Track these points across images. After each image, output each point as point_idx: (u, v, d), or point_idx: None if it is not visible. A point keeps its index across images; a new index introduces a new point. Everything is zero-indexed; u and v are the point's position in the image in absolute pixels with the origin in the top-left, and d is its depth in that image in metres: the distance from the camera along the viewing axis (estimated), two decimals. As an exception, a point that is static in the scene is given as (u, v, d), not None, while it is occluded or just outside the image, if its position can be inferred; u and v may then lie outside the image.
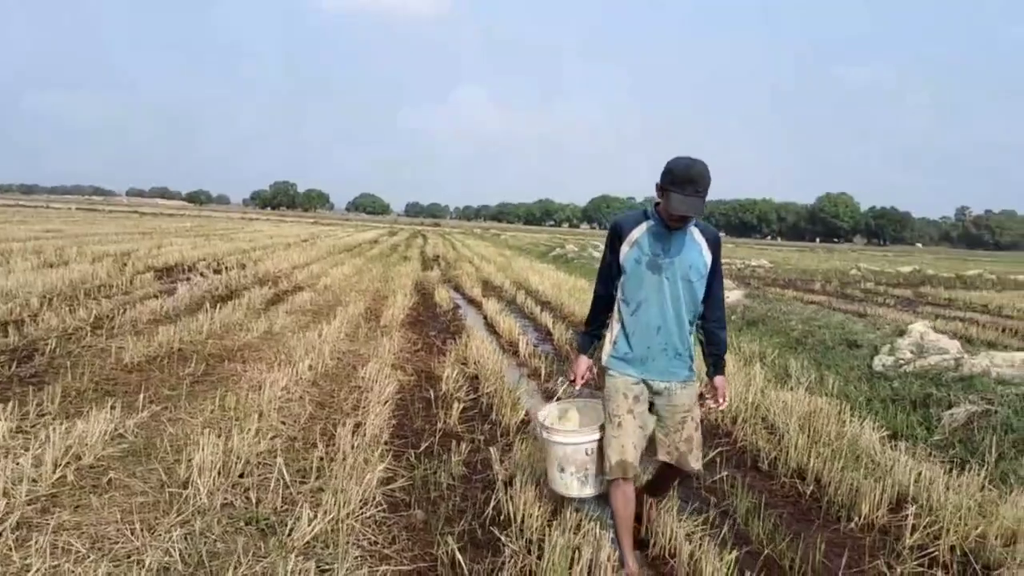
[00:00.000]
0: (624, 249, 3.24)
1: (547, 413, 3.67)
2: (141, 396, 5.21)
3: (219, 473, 3.92)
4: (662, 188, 3.10)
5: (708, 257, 3.25)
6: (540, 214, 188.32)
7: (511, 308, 12.61)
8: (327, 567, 3.09)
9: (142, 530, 3.29)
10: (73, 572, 2.87)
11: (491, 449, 4.73)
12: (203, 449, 4.02)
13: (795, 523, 4.05)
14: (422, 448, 4.84)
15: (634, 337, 3.25)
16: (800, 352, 8.48)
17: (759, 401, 6.00)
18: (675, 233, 3.18)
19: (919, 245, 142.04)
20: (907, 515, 3.90)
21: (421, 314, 11.56)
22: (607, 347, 3.35)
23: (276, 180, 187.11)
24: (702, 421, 3.46)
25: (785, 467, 4.85)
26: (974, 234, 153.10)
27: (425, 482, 4.25)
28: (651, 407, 3.33)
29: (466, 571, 3.20)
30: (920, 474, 4.42)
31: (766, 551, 3.63)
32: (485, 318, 11.48)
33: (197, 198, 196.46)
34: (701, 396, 3.41)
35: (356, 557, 3.22)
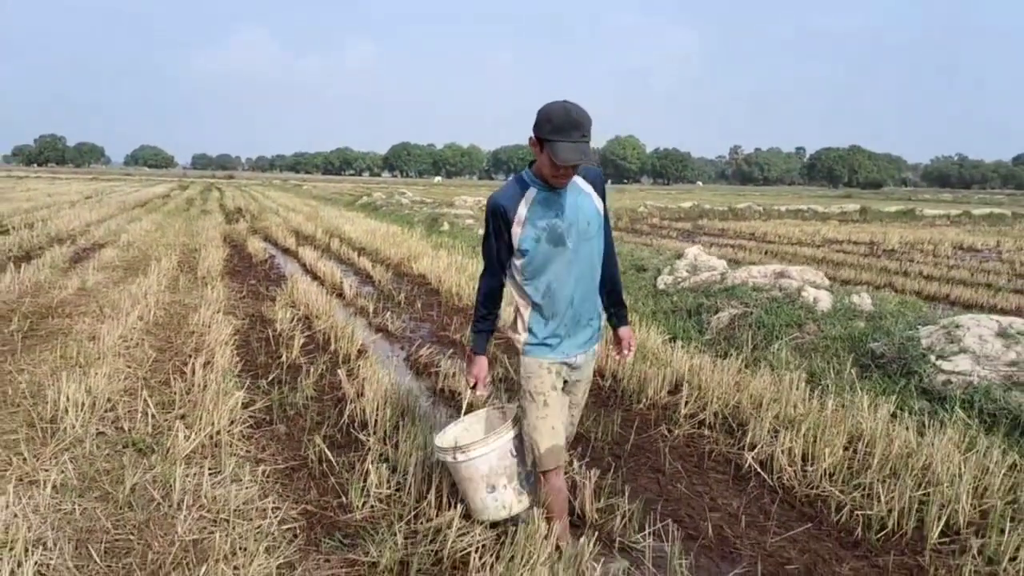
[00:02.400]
0: (516, 231, 2.84)
1: (451, 437, 3.20)
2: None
3: (85, 409, 4.20)
4: (541, 139, 2.69)
5: (599, 204, 2.96)
6: (339, 163, 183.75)
7: (328, 255, 12.91)
8: (213, 470, 3.57)
9: (28, 458, 3.59)
10: (-25, 494, 3.16)
11: (339, 371, 5.30)
12: (66, 388, 4.27)
13: (597, 408, 4.96)
14: (271, 378, 5.29)
15: (552, 319, 2.92)
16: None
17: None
18: (563, 192, 2.84)
19: (699, 183, 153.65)
20: (682, 394, 4.92)
21: (237, 265, 11.62)
22: (522, 336, 2.96)
23: (41, 134, 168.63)
24: (600, 372, 3.37)
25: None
26: (746, 171, 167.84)
27: (282, 403, 4.75)
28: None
29: (334, 463, 3.79)
30: (692, 364, 5.49)
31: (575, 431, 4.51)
32: (304, 266, 11.75)
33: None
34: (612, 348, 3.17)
35: (236, 462, 3.71)
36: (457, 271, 10.11)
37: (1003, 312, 8.68)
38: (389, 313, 7.83)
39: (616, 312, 3.22)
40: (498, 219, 2.86)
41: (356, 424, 4.40)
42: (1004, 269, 13.46)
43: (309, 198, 38.97)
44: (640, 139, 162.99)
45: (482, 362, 3.06)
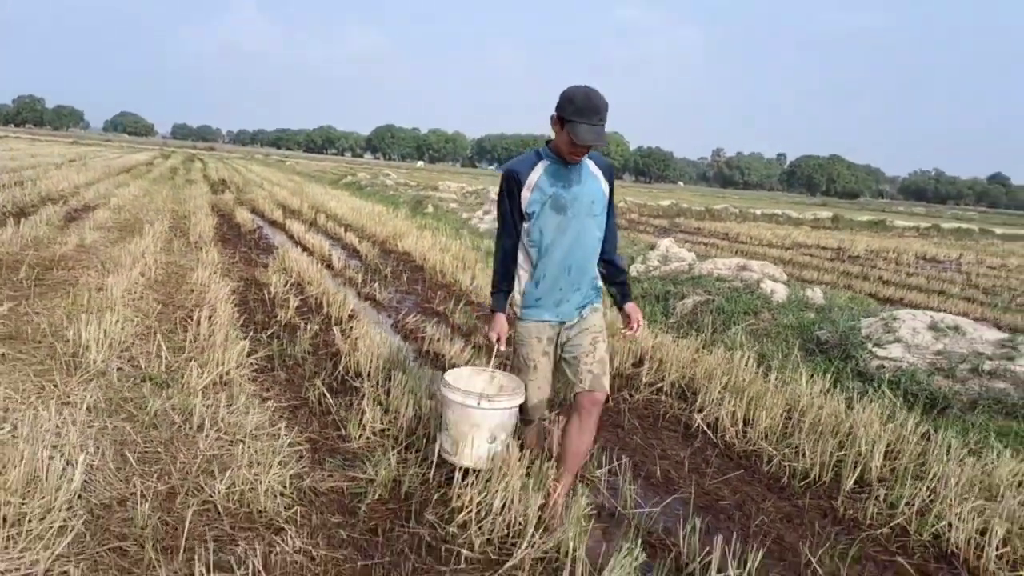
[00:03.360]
0: (525, 195, 3.12)
1: (471, 381, 3.45)
2: (-9, 294, 5.63)
3: (105, 348, 4.64)
4: (562, 119, 2.97)
5: (606, 187, 3.23)
6: (322, 142, 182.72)
7: (315, 229, 13.31)
8: (226, 402, 4.03)
9: (58, 384, 4.03)
10: (21, 410, 3.59)
11: (333, 329, 5.76)
12: (86, 329, 4.70)
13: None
14: (269, 333, 5.74)
15: (545, 281, 3.18)
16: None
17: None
18: (572, 168, 3.11)
19: (681, 183, 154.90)
20: (644, 367, 5.44)
21: (227, 233, 11.99)
22: (518, 299, 3.26)
23: (20, 94, 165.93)
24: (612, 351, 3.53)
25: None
26: (727, 174, 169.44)
27: (281, 355, 5.21)
28: (562, 347, 3.32)
29: (333, 404, 4.27)
30: (656, 342, 6.02)
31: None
32: (292, 237, 12.14)
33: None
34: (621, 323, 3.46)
35: (245, 397, 4.17)
36: (441, 251, 10.58)
37: (955, 314, 9.33)
38: (376, 284, 8.29)
39: (619, 289, 3.43)
40: (511, 182, 3.15)
41: (351, 374, 4.87)
42: (960, 279, 14.18)
43: (293, 174, 39.15)
44: (624, 136, 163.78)
45: (501, 319, 3.28)
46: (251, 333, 5.61)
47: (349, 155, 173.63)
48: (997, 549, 3.09)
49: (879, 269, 14.73)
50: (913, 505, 3.45)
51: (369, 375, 4.75)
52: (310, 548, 2.75)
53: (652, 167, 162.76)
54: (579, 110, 2.91)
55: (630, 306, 3.42)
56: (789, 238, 20.82)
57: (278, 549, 2.70)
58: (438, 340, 5.88)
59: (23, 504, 2.68)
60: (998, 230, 36.57)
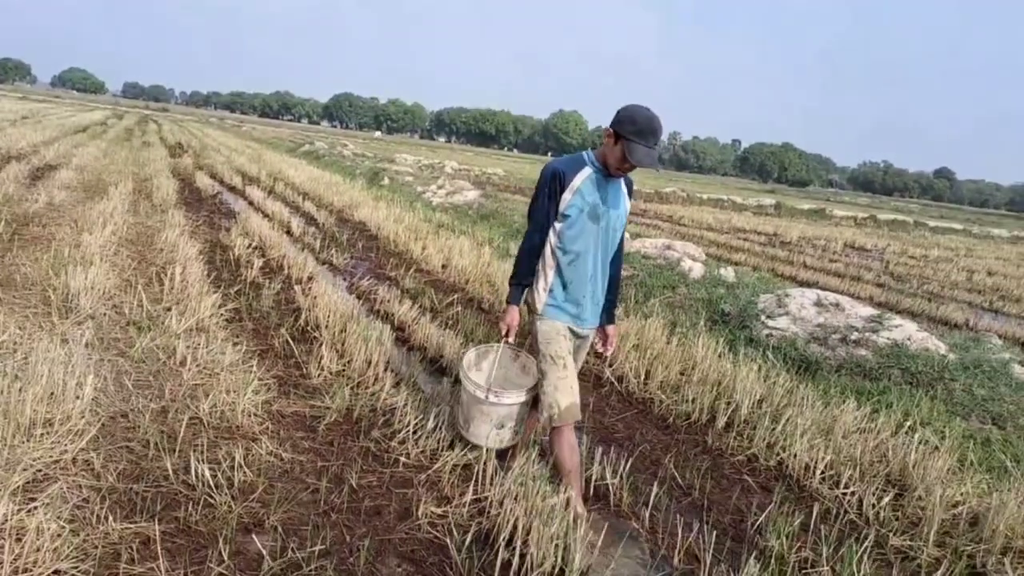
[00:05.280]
0: (567, 197, 3.14)
1: (472, 363, 3.57)
2: (-22, 246, 6.17)
3: (92, 295, 5.25)
4: (619, 136, 3.01)
5: (628, 204, 3.32)
6: (278, 107, 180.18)
7: (274, 197, 13.82)
8: (204, 344, 4.69)
9: (54, 322, 4.66)
10: (19, 344, 4.22)
11: (295, 287, 6.44)
12: (74, 278, 5.31)
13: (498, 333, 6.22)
14: (235, 290, 6.38)
15: (571, 285, 3.21)
16: (519, 239, 10.89)
17: (487, 270, 8.17)
18: (612, 181, 3.17)
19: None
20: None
21: (189, 197, 12.47)
22: (542, 295, 3.25)
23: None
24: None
25: (500, 308, 7.05)
26: (682, 157, 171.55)
27: (249, 308, 5.87)
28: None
29: (295, 350, 4.97)
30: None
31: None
32: (252, 204, 12.66)
33: None
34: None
35: (220, 341, 4.84)
36: (395, 222, 11.24)
37: (859, 299, 10.31)
38: (333, 251, 8.94)
39: (608, 308, 3.46)
40: (555, 182, 3.15)
41: (311, 326, 5.57)
42: (879, 267, 15.29)
43: (250, 140, 39.09)
44: (583, 115, 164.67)
45: (515, 311, 3.31)
46: (220, 289, 6.25)
47: (306, 121, 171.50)
48: (823, 473, 3.95)
49: (805, 255, 15.77)
50: (765, 440, 4.29)
51: (327, 327, 5.45)
52: (280, 452, 3.48)
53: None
54: (640, 131, 2.97)
55: (612, 328, 3.52)
56: (729, 223, 21.85)
57: (254, 452, 3.42)
58: (388, 301, 6.59)
59: (48, 412, 3.35)
60: (932, 223, 38.20)
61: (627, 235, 10.56)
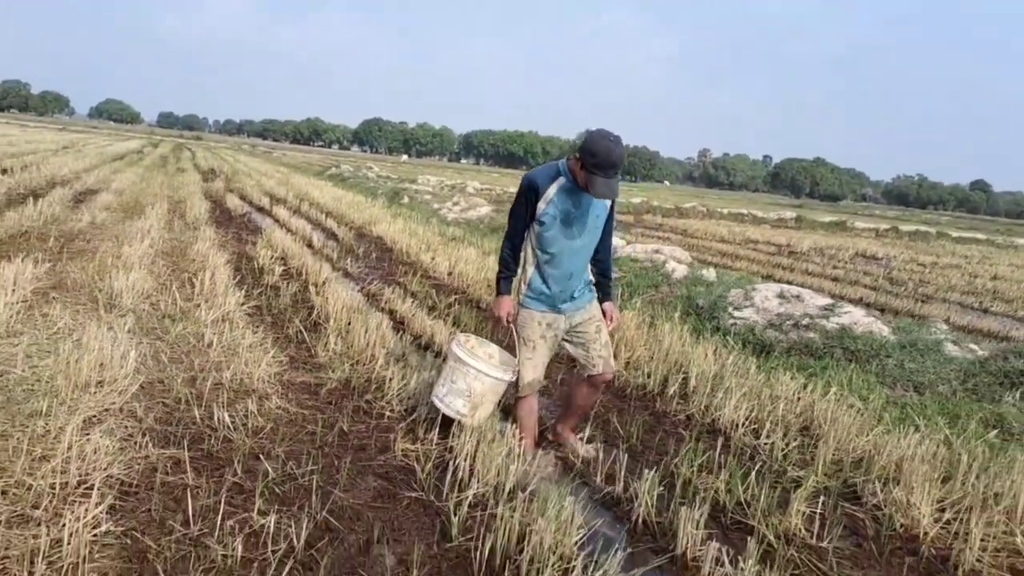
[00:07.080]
0: (540, 206, 3.49)
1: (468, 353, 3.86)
2: (31, 257, 7.04)
3: (133, 294, 6.08)
4: (583, 166, 3.31)
5: (607, 207, 3.65)
6: (308, 133, 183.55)
7: (299, 215, 14.75)
8: (228, 331, 5.48)
9: (101, 315, 5.48)
10: (73, 328, 5.03)
11: (310, 288, 7.24)
12: (117, 281, 6.15)
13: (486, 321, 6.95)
14: (258, 292, 7.19)
15: (549, 281, 3.62)
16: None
17: (488, 275, 8.90)
18: (583, 191, 3.46)
19: (667, 183, 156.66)
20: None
21: (219, 216, 13.42)
22: (522, 288, 3.69)
23: (4, 79, 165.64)
24: None
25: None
26: (712, 174, 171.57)
27: (269, 305, 6.67)
28: (568, 337, 3.84)
29: (306, 337, 5.74)
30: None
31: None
32: (277, 221, 13.58)
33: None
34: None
35: (242, 328, 5.64)
36: (409, 235, 12.05)
37: (851, 301, 10.86)
38: (349, 260, 9.76)
39: (604, 290, 3.88)
40: (530, 192, 3.52)
41: (322, 319, 6.35)
42: (878, 272, 15.77)
43: (280, 165, 40.43)
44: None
45: (507, 300, 3.73)
46: (244, 289, 7.06)
47: (336, 147, 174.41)
48: (745, 427, 4.61)
49: (811, 263, 16.29)
50: (704, 404, 4.96)
51: (335, 319, 6.22)
52: (287, 407, 4.24)
53: (637, 166, 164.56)
54: (598, 164, 3.24)
55: (609, 305, 3.92)
56: (743, 235, 22.35)
57: (266, 406, 4.18)
58: (393, 300, 7.35)
59: (99, 375, 4.14)
60: (955, 233, 38.04)
61: (622, 242, 11.32)
